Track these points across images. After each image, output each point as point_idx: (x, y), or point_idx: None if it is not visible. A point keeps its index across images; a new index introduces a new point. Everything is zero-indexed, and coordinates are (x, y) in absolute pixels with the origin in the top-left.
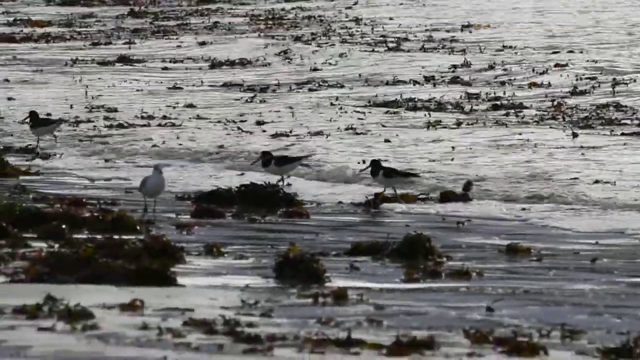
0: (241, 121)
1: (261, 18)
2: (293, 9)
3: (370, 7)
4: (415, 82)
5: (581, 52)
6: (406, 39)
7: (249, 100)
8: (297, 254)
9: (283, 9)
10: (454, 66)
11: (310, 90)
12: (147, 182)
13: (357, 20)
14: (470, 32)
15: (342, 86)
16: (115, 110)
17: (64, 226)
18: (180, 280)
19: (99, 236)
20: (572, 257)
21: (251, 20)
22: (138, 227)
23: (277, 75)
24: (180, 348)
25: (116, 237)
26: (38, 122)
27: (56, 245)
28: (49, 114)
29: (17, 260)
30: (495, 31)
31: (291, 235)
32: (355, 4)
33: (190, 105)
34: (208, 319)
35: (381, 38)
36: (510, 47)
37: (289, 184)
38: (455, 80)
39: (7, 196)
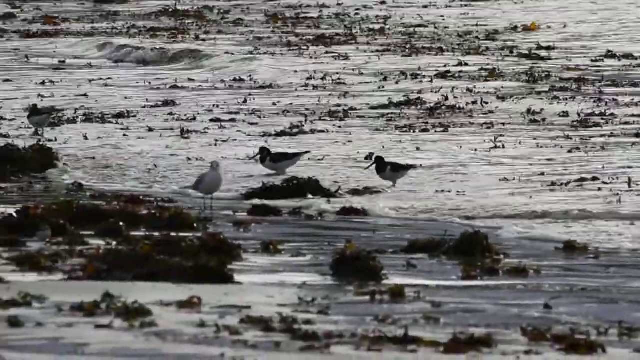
0: None
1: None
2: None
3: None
4: None
5: None
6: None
7: None
8: (354, 251)
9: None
10: None
11: None
12: (204, 180)
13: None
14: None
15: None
16: None
17: (121, 223)
18: (237, 277)
19: (156, 233)
20: (630, 254)
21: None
22: (195, 225)
23: None
24: (238, 345)
25: (173, 234)
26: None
27: (114, 243)
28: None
29: (75, 257)
30: None
31: (348, 232)
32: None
33: None
34: (265, 316)
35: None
36: None
37: None
38: None
39: (64, 193)
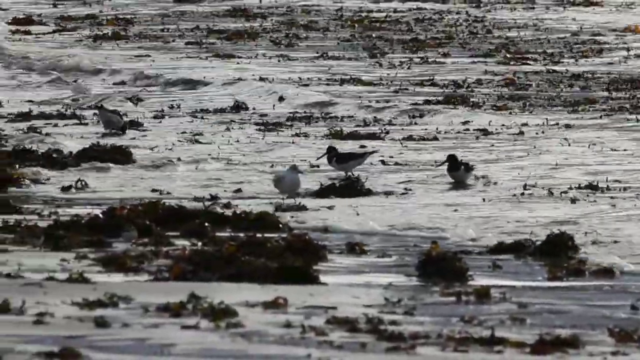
0: None
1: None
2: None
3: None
4: None
5: None
6: None
7: None
8: (439, 252)
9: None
10: None
11: None
12: (283, 180)
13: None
14: None
15: None
16: None
17: (207, 224)
18: (322, 278)
19: (241, 234)
20: None
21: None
22: (280, 225)
23: None
24: (324, 346)
25: (259, 235)
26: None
27: (199, 244)
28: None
29: (161, 258)
30: None
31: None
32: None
33: None
34: (351, 317)
35: None
36: None
37: None
38: None
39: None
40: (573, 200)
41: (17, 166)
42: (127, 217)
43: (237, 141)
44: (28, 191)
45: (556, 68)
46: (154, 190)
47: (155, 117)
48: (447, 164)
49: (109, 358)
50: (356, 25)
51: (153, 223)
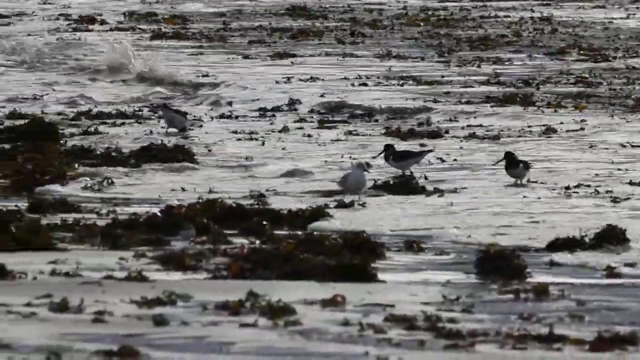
0: None
1: None
2: None
3: None
4: None
5: None
6: None
7: None
8: (497, 249)
9: None
10: None
11: None
12: (349, 179)
13: None
14: None
15: None
16: None
17: (264, 222)
18: (380, 276)
19: (299, 232)
20: None
21: None
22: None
23: None
24: (382, 344)
25: (316, 233)
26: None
27: (257, 242)
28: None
29: (219, 256)
30: None
31: None
32: None
33: None
34: (409, 314)
35: None
36: None
37: None
38: None
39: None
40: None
41: (76, 165)
42: (185, 215)
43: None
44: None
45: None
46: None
47: (216, 117)
48: (504, 161)
49: (168, 356)
50: (422, 23)
51: (210, 221)
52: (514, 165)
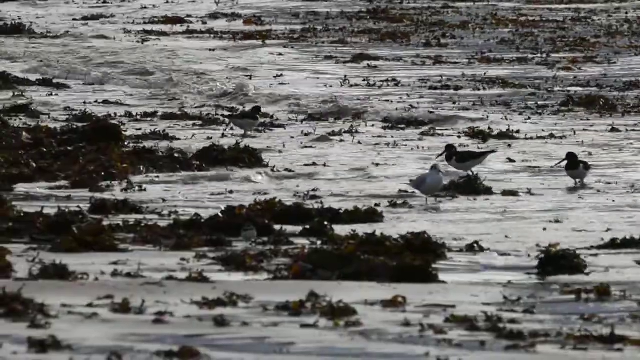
0: None
1: None
2: None
3: None
4: None
5: None
6: None
7: None
8: (559, 250)
9: None
10: None
11: None
12: (426, 181)
13: None
14: None
15: None
16: None
17: (326, 223)
18: (441, 276)
19: (360, 233)
20: None
21: None
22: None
23: None
24: (442, 345)
25: (377, 233)
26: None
27: (318, 242)
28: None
29: (280, 257)
30: None
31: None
32: None
33: None
34: (469, 315)
35: None
36: None
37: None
38: None
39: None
40: None
41: (141, 167)
42: (247, 216)
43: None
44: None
45: None
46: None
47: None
48: (566, 162)
49: (229, 357)
50: (511, 24)
51: (272, 221)
52: (574, 166)
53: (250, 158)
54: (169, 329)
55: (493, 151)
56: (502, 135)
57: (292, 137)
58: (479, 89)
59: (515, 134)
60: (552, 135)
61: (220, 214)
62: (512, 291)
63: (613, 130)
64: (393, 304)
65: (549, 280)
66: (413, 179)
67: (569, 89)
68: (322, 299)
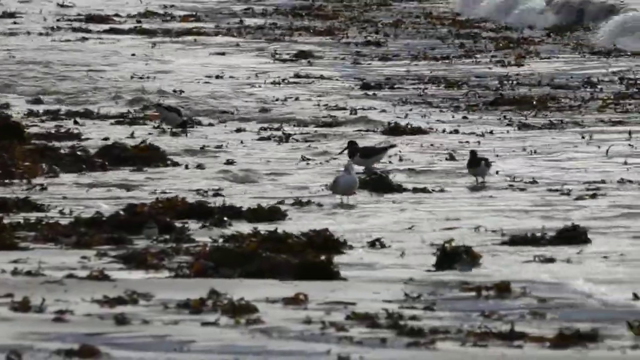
0: None
1: None
2: None
3: None
4: None
5: None
6: None
7: None
8: (454, 247)
9: None
10: None
11: None
12: (339, 182)
13: None
14: None
15: None
16: None
17: (225, 219)
18: (343, 273)
19: (262, 230)
20: None
21: None
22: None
23: None
24: (344, 342)
25: (280, 231)
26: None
27: (220, 240)
28: None
29: (181, 255)
30: None
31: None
32: None
33: None
34: (371, 312)
35: None
36: None
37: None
38: None
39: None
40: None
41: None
42: (148, 214)
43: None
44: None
45: None
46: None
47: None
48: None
49: (129, 355)
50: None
51: (174, 219)
52: (476, 164)
53: (155, 157)
54: (69, 327)
55: (393, 145)
56: (416, 132)
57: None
58: (420, 88)
59: (429, 130)
60: (456, 131)
61: (121, 212)
62: (413, 288)
63: (524, 126)
64: (294, 301)
65: (448, 277)
66: (328, 183)
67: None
68: (223, 297)
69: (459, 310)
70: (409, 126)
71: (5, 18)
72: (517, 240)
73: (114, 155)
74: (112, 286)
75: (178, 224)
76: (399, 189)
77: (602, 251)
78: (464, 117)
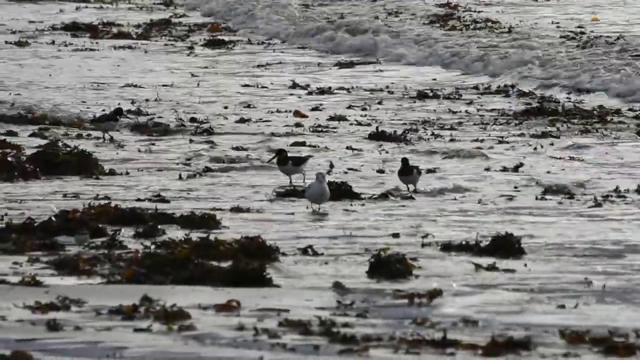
0: None
1: None
2: None
3: None
4: None
5: None
6: None
7: None
8: (389, 254)
9: None
10: None
11: None
12: (310, 190)
13: None
14: None
15: None
16: None
17: (159, 227)
18: (276, 280)
19: (194, 237)
20: None
21: None
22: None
23: None
24: (276, 349)
25: (212, 237)
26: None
27: (152, 246)
28: None
29: (114, 261)
30: None
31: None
32: None
33: None
34: (304, 319)
35: None
36: None
37: None
38: None
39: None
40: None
41: None
42: (81, 220)
43: None
44: None
45: None
46: None
47: None
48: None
49: None
50: None
51: (106, 225)
52: (408, 172)
53: (84, 163)
54: (1, 333)
55: (311, 156)
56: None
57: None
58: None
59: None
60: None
61: (53, 218)
62: (346, 295)
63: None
64: (227, 308)
65: (381, 285)
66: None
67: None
68: (156, 303)
69: (392, 318)
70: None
71: None
72: (457, 247)
73: (44, 161)
74: (44, 292)
75: (110, 231)
76: (357, 196)
77: None
78: None
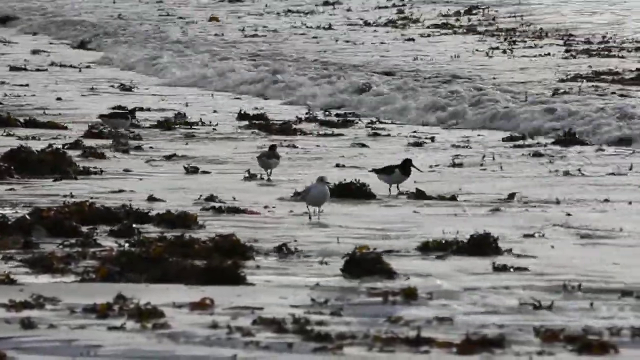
0: None
1: None
2: None
3: None
4: None
5: None
6: None
7: None
8: (363, 252)
9: None
10: None
11: None
12: (311, 191)
13: None
14: None
15: None
16: None
17: (134, 225)
18: (250, 278)
19: (169, 235)
20: None
21: None
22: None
23: None
24: (250, 347)
25: (186, 236)
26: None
27: (126, 245)
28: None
29: (88, 259)
30: None
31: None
32: None
33: None
34: (278, 317)
35: None
36: None
37: None
38: None
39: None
40: None
41: None
42: (55, 219)
43: None
44: None
45: None
46: None
47: None
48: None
49: (36, 359)
50: None
51: (80, 223)
52: (389, 171)
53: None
54: None
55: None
56: None
57: None
58: None
59: None
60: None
61: (27, 216)
62: (320, 293)
63: None
64: (201, 306)
65: (355, 283)
66: (300, 191)
67: None
68: (130, 302)
69: (366, 316)
70: None
71: None
72: (432, 246)
73: (19, 160)
74: (18, 290)
75: (85, 229)
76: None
77: None
78: None
